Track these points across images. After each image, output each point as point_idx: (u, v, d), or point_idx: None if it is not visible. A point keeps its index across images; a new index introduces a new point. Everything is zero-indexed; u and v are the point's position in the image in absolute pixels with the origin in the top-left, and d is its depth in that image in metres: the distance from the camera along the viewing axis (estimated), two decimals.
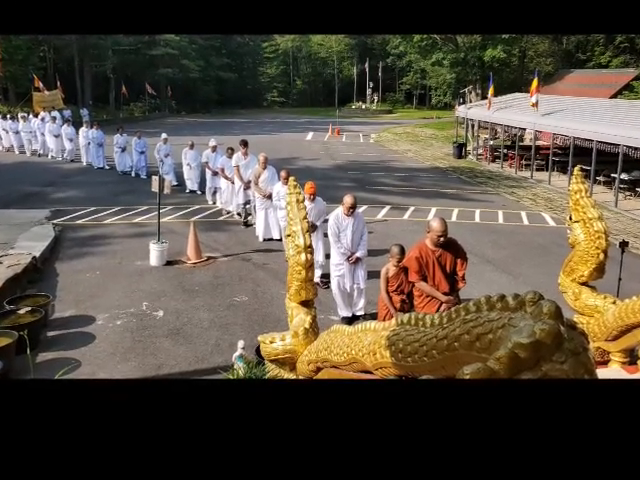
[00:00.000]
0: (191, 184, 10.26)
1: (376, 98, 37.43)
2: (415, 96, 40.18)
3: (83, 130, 13.27)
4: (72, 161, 13.88)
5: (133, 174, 12.01)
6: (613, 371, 2.81)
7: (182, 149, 10.37)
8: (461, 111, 16.90)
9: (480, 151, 16.09)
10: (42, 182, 11.02)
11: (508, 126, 13.94)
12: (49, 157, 14.44)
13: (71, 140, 13.87)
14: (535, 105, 12.35)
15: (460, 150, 15.96)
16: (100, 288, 5.50)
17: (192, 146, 10.15)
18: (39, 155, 14.77)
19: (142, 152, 11.68)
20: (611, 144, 9.70)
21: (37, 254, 6.00)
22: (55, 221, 7.83)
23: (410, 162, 15.32)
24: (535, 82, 12.66)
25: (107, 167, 12.91)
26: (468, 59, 20.33)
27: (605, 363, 2.94)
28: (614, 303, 3.03)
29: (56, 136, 14.15)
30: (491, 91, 14.83)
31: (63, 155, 14.19)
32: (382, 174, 13.01)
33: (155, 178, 6.39)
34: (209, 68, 34.23)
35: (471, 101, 18.67)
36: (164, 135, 10.85)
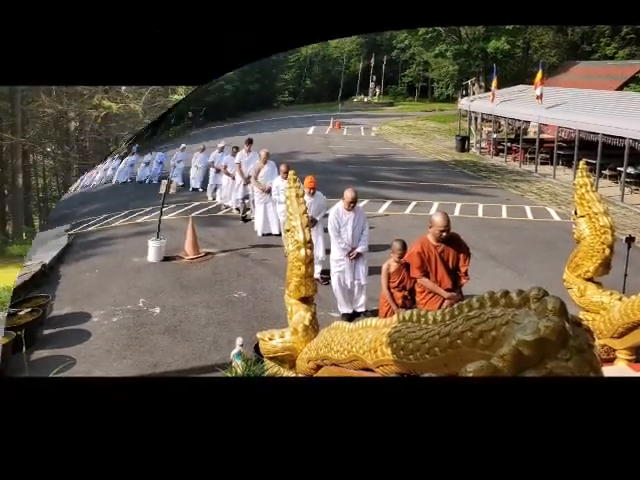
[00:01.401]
0: (195, 182, 10.54)
1: (378, 91, 37.24)
2: (417, 89, 39.94)
3: None
4: None
5: (147, 181, 12.32)
6: (619, 369, 2.79)
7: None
8: (464, 104, 16.75)
9: (483, 144, 15.97)
10: None
11: (512, 119, 13.81)
12: None
13: None
14: (539, 97, 12.23)
15: (463, 143, 15.84)
16: (97, 285, 5.51)
17: (203, 149, 10.50)
18: None
19: (160, 162, 12.16)
20: (617, 137, 9.60)
21: (46, 261, 6.08)
22: (71, 232, 7.91)
23: (412, 156, 15.23)
24: (539, 74, 12.53)
25: (129, 180, 13.22)
26: (471, 51, 20.07)
27: (611, 361, 2.93)
28: (620, 300, 3.01)
29: None
30: (494, 83, 14.68)
31: None
32: (383, 168, 12.94)
33: (164, 182, 6.69)
34: (242, 86, 34.49)
35: (474, 93, 18.50)
36: (183, 145, 11.39)
